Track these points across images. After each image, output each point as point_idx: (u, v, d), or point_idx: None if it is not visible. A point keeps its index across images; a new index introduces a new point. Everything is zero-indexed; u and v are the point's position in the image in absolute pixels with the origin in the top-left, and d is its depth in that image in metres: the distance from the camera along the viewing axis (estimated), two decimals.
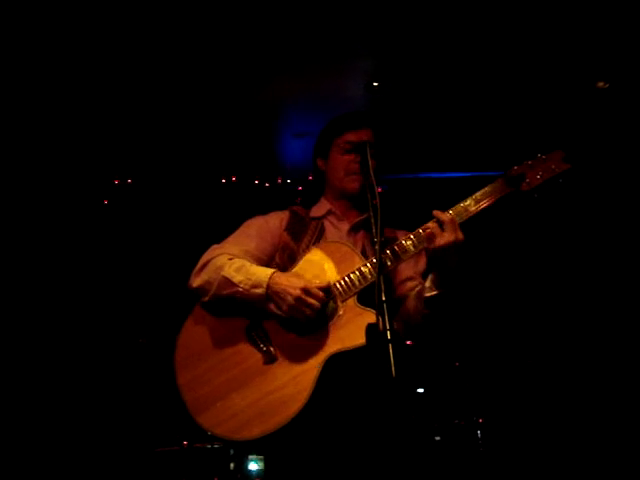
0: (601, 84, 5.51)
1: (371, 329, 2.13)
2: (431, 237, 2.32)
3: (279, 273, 2.45)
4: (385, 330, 1.87)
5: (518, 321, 6.35)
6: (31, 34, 4.42)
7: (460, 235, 2.31)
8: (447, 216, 2.34)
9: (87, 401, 5.63)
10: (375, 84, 5.38)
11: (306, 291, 2.34)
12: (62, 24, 4.36)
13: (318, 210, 2.85)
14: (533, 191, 2.40)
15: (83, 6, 4.20)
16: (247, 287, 2.42)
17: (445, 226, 2.31)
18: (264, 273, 2.44)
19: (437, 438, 5.19)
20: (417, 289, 2.55)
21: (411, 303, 2.54)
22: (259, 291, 2.41)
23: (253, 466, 4.70)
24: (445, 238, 2.30)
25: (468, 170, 6.63)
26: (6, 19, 4.23)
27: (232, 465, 4.76)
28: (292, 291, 2.35)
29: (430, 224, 2.36)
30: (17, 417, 5.45)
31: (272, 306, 2.43)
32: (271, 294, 2.40)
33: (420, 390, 5.47)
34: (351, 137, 2.74)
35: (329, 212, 2.81)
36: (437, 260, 2.36)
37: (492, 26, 4.72)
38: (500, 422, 5.47)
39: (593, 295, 6.28)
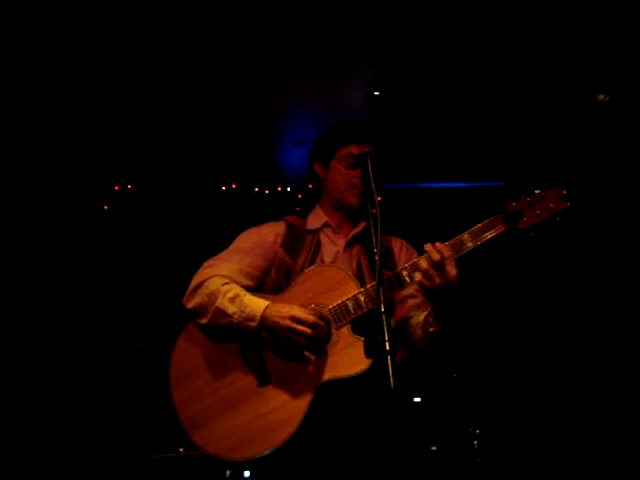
0: (602, 97, 5.52)
1: (369, 340, 2.14)
2: (426, 276, 2.29)
3: (271, 306, 2.42)
4: (384, 341, 1.87)
5: (515, 333, 6.36)
6: (33, 38, 4.42)
7: (455, 272, 2.27)
8: (437, 256, 2.27)
9: (84, 406, 5.62)
10: (376, 93, 5.39)
11: (295, 319, 2.33)
12: (65, 28, 4.36)
13: (314, 221, 2.80)
14: (530, 230, 2.37)
15: (83, 10, 4.20)
16: (241, 319, 2.41)
17: (442, 264, 2.26)
18: (257, 306, 2.42)
19: (434, 448, 5.19)
20: (421, 322, 2.50)
21: (416, 334, 2.51)
22: (252, 324, 2.40)
23: (248, 474, 4.70)
24: (440, 277, 2.27)
25: (468, 180, 6.64)
26: (6, 20, 4.24)
27: (228, 472, 4.75)
28: (282, 322, 2.34)
29: (421, 263, 2.32)
30: (14, 422, 5.43)
31: (266, 335, 2.44)
32: (264, 327, 2.40)
33: (417, 399, 5.47)
34: (355, 150, 2.69)
35: (325, 224, 2.77)
36: (434, 295, 2.34)
37: (493, 37, 4.72)
38: (497, 433, 5.47)
39: (586, 305, 6.32)
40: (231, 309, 2.43)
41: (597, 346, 6.14)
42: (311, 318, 2.33)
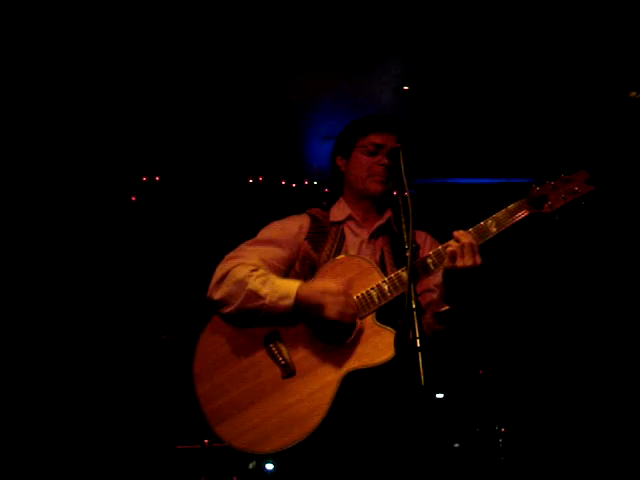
0: (633, 94, 5.46)
1: (400, 337, 2.13)
2: (451, 258, 2.30)
3: (304, 284, 2.45)
4: (415, 338, 1.86)
5: (543, 332, 6.31)
6: (68, 34, 4.46)
7: (478, 260, 2.29)
8: (468, 239, 2.31)
9: (109, 397, 5.66)
10: (405, 88, 5.36)
11: (328, 292, 2.37)
12: (109, 25, 4.40)
13: (338, 214, 2.80)
14: (555, 213, 2.37)
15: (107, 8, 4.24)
16: (274, 299, 2.42)
17: (465, 249, 2.28)
18: (290, 285, 2.45)
19: (456, 445, 5.17)
20: (431, 305, 2.53)
21: (427, 317, 2.51)
22: (287, 302, 2.41)
23: (270, 466, 4.72)
24: (464, 261, 2.28)
25: (497, 176, 6.60)
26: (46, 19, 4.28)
27: (251, 465, 4.77)
28: (316, 295, 2.38)
29: (451, 243, 2.34)
30: (39, 410, 5.49)
31: (299, 316, 2.45)
32: (299, 304, 2.41)
33: (440, 395, 5.44)
34: (376, 139, 2.71)
35: (349, 217, 2.77)
36: (452, 279, 2.35)
37: (524, 32, 4.69)
38: (523, 432, 5.43)
39: (615, 303, 6.23)
40: (264, 290, 2.44)
41: (627, 343, 6.05)
42: (342, 289, 2.37)
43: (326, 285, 2.40)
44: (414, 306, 1.95)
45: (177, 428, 5.15)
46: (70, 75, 4.98)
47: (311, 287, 2.42)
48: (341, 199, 2.86)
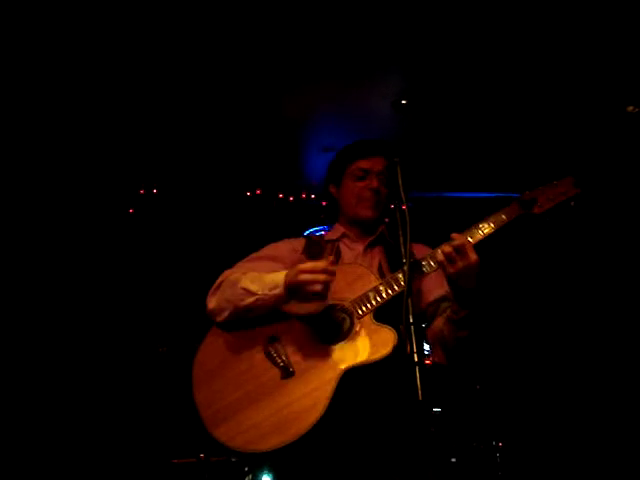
0: (631, 108, 5.48)
1: (398, 350, 2.13)
2: (447, 259, 2.34)
3: (290, 269, 2.48)
4: (412, 353, 1.86)
5: (540, 346, 6.30)
6: (66, 46, 4.48)
7: (474, 256, 2.32)
8: (461, 239, 2.34)
9: (104, 410, 5.64)
10: (403, 102, 5.38)
11: (306, 270, 2.38)
12: (101, 34, 4.42)
13: (333, 234, 2.91)
14: (545, 214, 2.48)
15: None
16: (265, 291, 2.46)
17: (459, 248, 2.32)
18: (279, 275, 2.49)
19: (453, 460, 5.15)
20: (447, 314, 2.54)
21: (446, 328, 2.53)
22: (277, 291, 2.45)
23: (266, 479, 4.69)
24: (461, 260, 2.31)
25: (493, 191, 6.61)
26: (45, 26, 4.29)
27: (248, 479, 4.74)
28: (299, 277, 2.39)
29: (446, 244, 2.37)
30: (34, 423, 5.47)
31: (292, 302, 2.48)
32: (289, 290, 2.44)
33: (437, 409, 5.42)
34: (363, 164, 2.79)
35: (343, 235, 2.86)
36: (455, 282, 2.38)
37: (522, 48, 4.72)
38: (520, 447, 5.41)
39: (613, 313, 6.23)
40: (254, 287, 2.48)
41: (627, 355, 6.03)
42: (320, 263, 2.39)
43: (304, 265, 2.43)
44: (412, 320, 1.95)
45: (173, 441, 5.13)
46: (69, 87, 5.00)
47: (294, 270, 2.44)
48: (336, 224, 2.96)
